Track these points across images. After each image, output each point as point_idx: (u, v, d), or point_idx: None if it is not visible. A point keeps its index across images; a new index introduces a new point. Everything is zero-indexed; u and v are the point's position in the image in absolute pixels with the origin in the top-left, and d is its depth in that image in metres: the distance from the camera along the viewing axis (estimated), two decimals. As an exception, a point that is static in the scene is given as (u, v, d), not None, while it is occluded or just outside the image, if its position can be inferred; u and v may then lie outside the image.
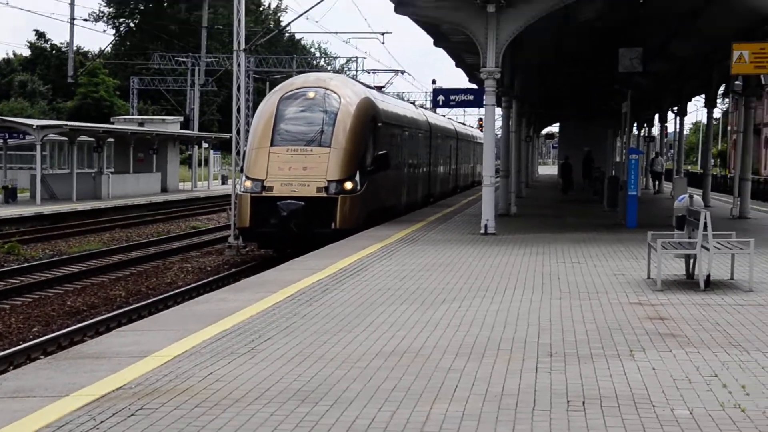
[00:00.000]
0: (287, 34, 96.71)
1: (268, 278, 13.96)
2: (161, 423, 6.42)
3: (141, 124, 55.51)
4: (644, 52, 27.34)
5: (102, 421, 6.44)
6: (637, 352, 8.59)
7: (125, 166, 49.00)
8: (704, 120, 36.87)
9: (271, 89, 35.87)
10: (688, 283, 13.01)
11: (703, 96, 35.31)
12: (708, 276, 12.50)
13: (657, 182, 43.93)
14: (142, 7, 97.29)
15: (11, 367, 12.38)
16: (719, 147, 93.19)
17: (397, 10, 20.88)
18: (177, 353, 8.54)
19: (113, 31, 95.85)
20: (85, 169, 50.13)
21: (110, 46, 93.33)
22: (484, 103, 21.33)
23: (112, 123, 56.08)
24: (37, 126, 39.76)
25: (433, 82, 46.52)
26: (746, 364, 8.09)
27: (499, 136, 32.54)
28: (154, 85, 79.44)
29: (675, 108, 40.32)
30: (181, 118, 64.85)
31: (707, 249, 12.38)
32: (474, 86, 35.39)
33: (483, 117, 23.88)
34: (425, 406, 6.83)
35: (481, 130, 41.08)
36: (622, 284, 12.97)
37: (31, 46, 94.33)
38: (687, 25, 26.45)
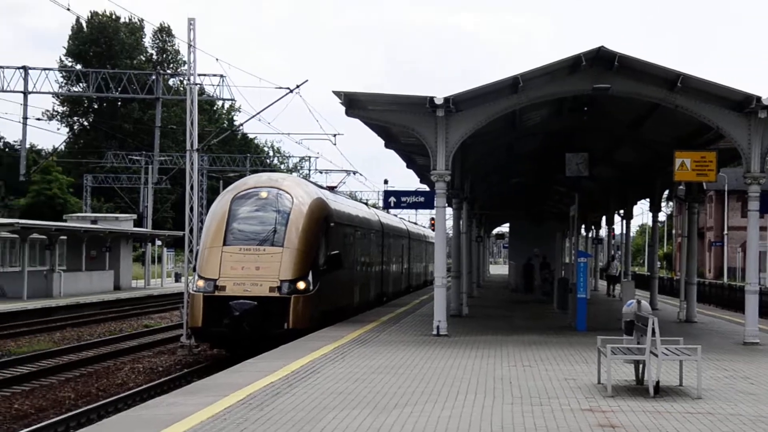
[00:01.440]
0: (240, 134, 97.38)
1: (220, 381, 13.90)
2: None
3: (94, 221, 55.36)
4: (590, 158, 27.98)
5: None
6: (586, 459, 8.69)
7: (78, 263, 48.59)
8: (650, 222, 37.49)
9: (224, 188, 36.06)
10: (638, 388, 13.15)
11: (648, 200, 36.04)
12: (657, 382, 12.64)
13: (612, 286, 44.45)
14: (96, 106, 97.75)
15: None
16: (665, 249, 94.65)
17: (348, 113, 21.18)
18: (128, 461, 8.48)
19: (67, 129, 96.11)
20: (37, 266, 49.47)
21: (64, 144, 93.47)
22: (435, 204, 21.56)
23: (65, 220, 55.78)
24: (-13, 224, 39.55)
25: (385, 182, 47.22)
26: (693, 472, 8.20)
27: (451, 235, 32.85)
28: (108, 183, 79.41)
29: (621, 211, 41.02)
30: (135, 216, 64.76)
31: (656, 355, 12.55)
32: (425, 187, 35.85)
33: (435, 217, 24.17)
34: None
35: (433, 230, 41.69)
36: (573, 389, 13.09)
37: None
38: (630, 133, 27.17)
